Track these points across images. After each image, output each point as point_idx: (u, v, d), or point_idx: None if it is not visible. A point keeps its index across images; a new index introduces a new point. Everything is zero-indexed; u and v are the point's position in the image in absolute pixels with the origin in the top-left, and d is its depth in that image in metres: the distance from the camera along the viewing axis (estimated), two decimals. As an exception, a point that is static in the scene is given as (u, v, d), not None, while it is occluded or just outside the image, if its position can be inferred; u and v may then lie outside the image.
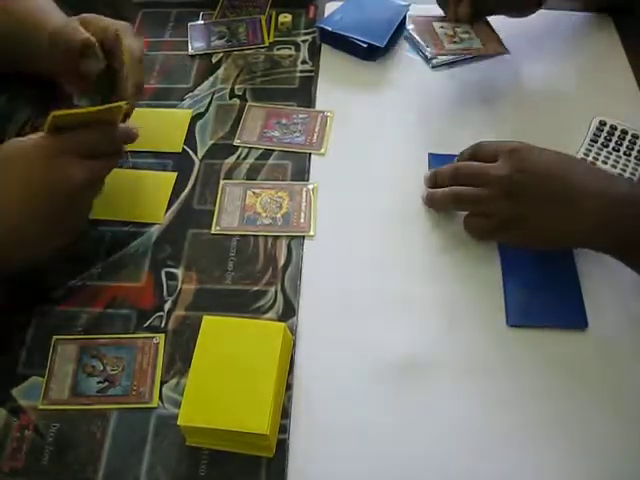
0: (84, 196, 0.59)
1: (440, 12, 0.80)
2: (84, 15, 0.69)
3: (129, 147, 0.74)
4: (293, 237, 0.67)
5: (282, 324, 0.57)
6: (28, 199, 0.55)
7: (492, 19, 0.79)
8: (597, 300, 0.61)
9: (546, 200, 0.59)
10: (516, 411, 0.56)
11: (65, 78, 0.71)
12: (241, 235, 0.67)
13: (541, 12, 0.79)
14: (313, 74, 0.84)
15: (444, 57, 0.83)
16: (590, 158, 0.71)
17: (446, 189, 0.65)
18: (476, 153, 0.65)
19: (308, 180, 0.72)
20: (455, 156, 0.69)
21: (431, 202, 0.68)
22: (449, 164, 0.67)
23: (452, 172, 0.66)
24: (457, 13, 0.74)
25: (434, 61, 0.83)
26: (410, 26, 0.84)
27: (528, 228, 0.60)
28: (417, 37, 0.86)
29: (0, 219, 0.55)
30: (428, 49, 0.76)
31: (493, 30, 0.77)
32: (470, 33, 0.75)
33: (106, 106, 0.57)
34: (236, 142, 0.76)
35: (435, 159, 0.73)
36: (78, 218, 0.60)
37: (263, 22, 0.90)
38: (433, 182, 0.68)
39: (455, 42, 0.75)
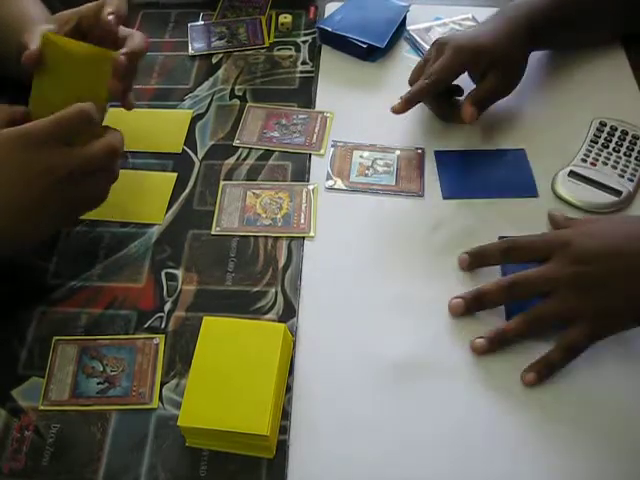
0: (79, 185, 0.57)
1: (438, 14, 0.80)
2: (58, 15, 0.67)
3: (129, 147, 0.75)
4: (293, 238, 0.67)
5: (282, 325, 0.57)
6: (7, 191, 0.54)
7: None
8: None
9: (616, 278, 0.56)
10: (517, 411, 0.56)
11: None
12: (241, 236, 0.68)
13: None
14: (313, 75, 0.84)
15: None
16: (590, 159, 0.71)
17: (520, 318, 0.58)
18: (512, 251, 0.61)
19: (308, 181, 0.72)
20: (459, 152, 0.70)
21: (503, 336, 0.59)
22: (496, 281, 0.60)
23: (508, 289, 0.59)
24: (464, 115, 0.71)
25: (434, 62, 0.84)
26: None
27: (615, 311, 0.56)
28: (417, 38, 0.86)
29: None
30: (330, 180, 0.71)
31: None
32: (389, 167, 0.72)
33: (98, 48, 0.57)
34: (236, 143, 0.76)
35: (440, 157, 0.73)
36: (76, 208, 0.60)
37: (263, 23, 0.90)
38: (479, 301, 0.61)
39: (366, 175, 0.72)
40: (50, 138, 0.55)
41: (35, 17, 0.70)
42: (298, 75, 0.84)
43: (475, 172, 0.73)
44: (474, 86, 0.73)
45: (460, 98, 0.75)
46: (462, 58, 0.71)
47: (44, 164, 0.55)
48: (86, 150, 0.57)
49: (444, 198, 0.70)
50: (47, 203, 0.56)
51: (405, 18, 0.87)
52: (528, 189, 0.70)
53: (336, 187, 0.71)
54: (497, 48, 0.71)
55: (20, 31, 0.65)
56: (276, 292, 0.63)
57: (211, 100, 0.81)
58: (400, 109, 0.72)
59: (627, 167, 0.70)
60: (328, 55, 0.86)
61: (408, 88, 0.74)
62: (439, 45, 0.73)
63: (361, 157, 0.74)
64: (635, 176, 0.70)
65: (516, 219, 0.68)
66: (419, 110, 0.77)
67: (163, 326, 0.61)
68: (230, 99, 0.81)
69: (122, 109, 0.69)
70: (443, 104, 0.76)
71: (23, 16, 0.70)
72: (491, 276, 0.63)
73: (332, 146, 0.75)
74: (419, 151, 0.74)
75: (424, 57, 0.75)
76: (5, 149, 0.55)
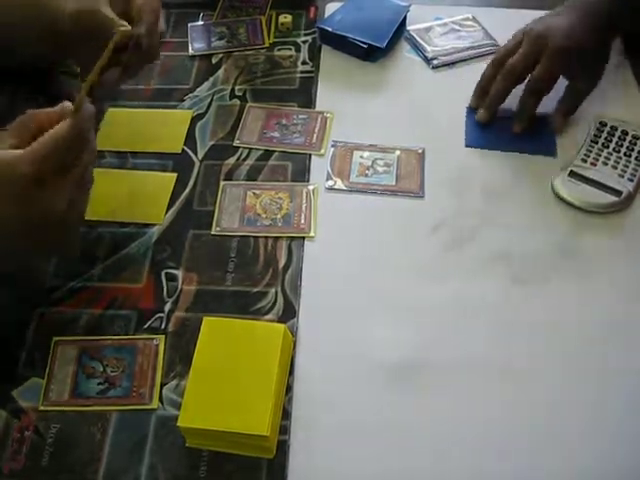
0: (70, 214, 0.53)
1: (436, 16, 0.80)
2: None
3: (129, 148, 0.76)
4: (293, 238, 0.67)
5: (282, 325, 0.57)
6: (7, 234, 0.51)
7: (496, 19, 0.79)
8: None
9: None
10: (517, 411, 0.56)
11: (82, 62, 0.66)
12: (241, 236, 0.67)
13: (542, 13, 0.79)
14: (313, 75, 0.84)
15: (444, 58, 0.84)
16: (591, 159, 0.71)
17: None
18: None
19: (308, 181, 0.72)
20: None
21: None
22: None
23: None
24: (556, 128, 0.74)
25: (434, 61, 0.84)
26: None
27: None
28: (417, 38, 0.86)
29: None
30: (330, 180, 0.71)
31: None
32: (390, 167, 0.72)
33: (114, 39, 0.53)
34: (236, 143, 0.76)
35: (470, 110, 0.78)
36: (65, 224, 0.55)
37: (263, 23, 0.90)
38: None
39: (366, 175, 0.72)
40: (46, 171, 0.50)
41: None
42: (298, 75, 0.84)
43: (499, 126, 0.75)
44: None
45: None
46: (563, 64, 0.72)
47: (43, 203, 0.51)
48: (76, 173, 0.53)
49: (466, 146, 0.74)
50: (46, 233, 0.53)
51: (405, 18, 0.86)
52: (549, 148, 0.73)
53: (336, 187, 0.71)
54: (586, 49, 0.72)
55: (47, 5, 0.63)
56: (276, 292, 0.63)
57: (211, 100, 0.81)
58: (488, 118, 0.75)
59: (627, 167, 0.70)
60: (328, 55, 0.86)
61: (408, 88, 0.74)
62: (535, 40, 0.73)
63: (361, 157, 0.74)
64: (635, 176, 0.69)
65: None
66: (419, 110, 0.77)
67: (163, 326, 0.61)
68: (230, 99, 0.81)
69: (122, 109, 0.69)
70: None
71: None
72: (491, 276, 0.64)
73: (332, 146, 0.75)
74: (419, 151, 0.74)
75: (507, 46, 0.76)
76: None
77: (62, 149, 0.51)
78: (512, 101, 0.75)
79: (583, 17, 0.73)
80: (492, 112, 0.75)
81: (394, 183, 0.71)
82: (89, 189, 0.57)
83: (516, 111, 0.75)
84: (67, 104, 0.53)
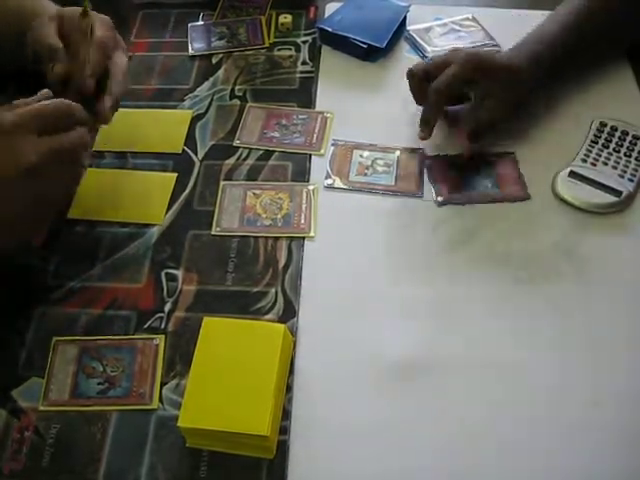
0: (46, 176, 0.55)
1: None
2: (66, 8, 0.68)
3: (129, 148, 0.76)
4: (293, 238, 0.67)
5: (282, 325, 0.57)
6: None
7: (496, 19, 0.79)
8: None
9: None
10: (517, 410, 0.56)
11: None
12: (241, 236, 0.67)
13: (542, 13, 0.79)
14: (313, 75, 0.84)
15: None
16: (591, 159, 0.71)
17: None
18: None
19: (308, 181, 0.72)
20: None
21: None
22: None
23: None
24: (465, 152, 0.71)
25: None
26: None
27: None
28: (417, 38, 0.86)
29: None
30: (329, 179, 0.71)
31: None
32: (389, 167, 0.72)
33: None
34: (236, 143, 0.76)
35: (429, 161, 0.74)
36: (45, 202, 0.57)
37: (263, 23, 0.90)
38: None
39: (365, 174, 0.72)
40: (24, 127, 0.54)
41: (43, 7, 0.71)
42: (298, 75, 0.84)
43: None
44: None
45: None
46: (469, 68, 0.70)
47: (12, 151, 0.53)
48: (55, 139, 0.55)
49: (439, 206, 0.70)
50: (12, 197, 0.54)
51: (405, 18, 0.87)
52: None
53: (335, 186, 0.71)
54: (506, 67, 0.70)
55: (24, 22, 0.67)
56: (276, 292, 0.63)
57: (211, 100, 0.81)
58: (427, 135, 0.73)
59: (627, 167, 0.70)
60: (328, 55, 0.86)
61: (408, 88, 0.74)
62: (448, 55, 0.73)
63: (361, 157, 0.74)
64: (635, 176, 0.69)
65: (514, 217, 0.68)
66: (417, 110, 0.77)
67: (163, 326, 0.61)
68: (230, 99, 0.81)
69: (122, 109, 0.69)
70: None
71: (28, 7, 0.71)
72: (491, 276, 0.64)
73: (332, 145, 0.75)
74: (419, 151, 0.74)
75: (433, 63, 0.74)
76: None
77: (43, 111, 0.55)
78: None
79: (523, 44, 0.73)
80: (431, 129, 0.73)
81: (393, 183, 0.71)
82: (76, 176, 0.59)
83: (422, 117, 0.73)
84: (45, 90, 0.58)
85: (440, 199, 0.70)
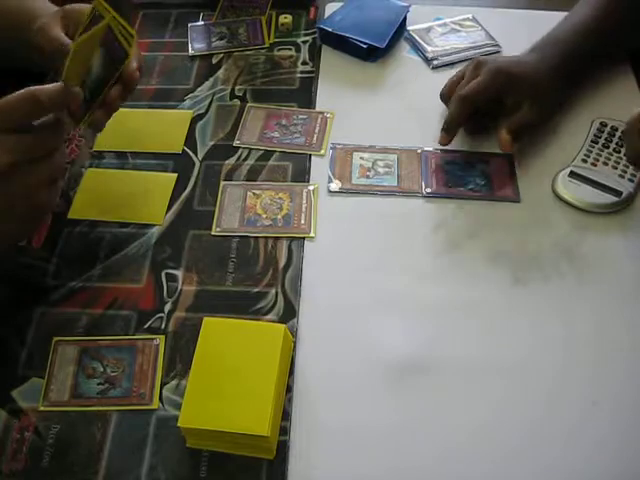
0: (19, 181, 0.52)
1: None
2: (67, 7, 0.68)
3: (129, 148, 0.76)
4: (293, 238, 0.67)
5: (282, 325, 0.57)
6: None
7: (496, 19, 0.79)
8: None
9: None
10: (517, 411, 0.56)
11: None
12: (241, 236, 0.67)
13: (542, 13, 0.79)
14: (313, 75, 0.84)
15: (444, 58, 0.84)
16: (591, 159, 0.71)
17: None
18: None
19: (308, 181, 0.72)
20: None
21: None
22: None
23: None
24: (501, 143, 0.70)
25: (434, 62, 0.84)
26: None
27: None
28: (417, 38, 0.86)
29: None
30: (332, 183, 0.71)
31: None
32: (390, 167, 0.72)
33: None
34: (236, 143, 0.76)
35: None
36: (27, 204, 0.54)
37: (263, 23, 0.90)
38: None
39: (367, 176, 0.72)
40: None
41: (41, 6, 0.71)
42: (298, 75, 0.84)
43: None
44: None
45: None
46: (498, 82, 0.71)
47: None
48: (27, 136, 0.52)
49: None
50: None
51: (405, 18, 0.87)
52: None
53: (339, 190, 0.71)
54: (536, 79, 0.71)
55: (23, 22, 0.67)
56: (276, 293, 0.63)
57: (211, 100, 0.81)
58: (446, 141, 0.72)
59: (627, 167, 0.70)
60: (328, 55, 0.86)
61: (408, 88, 0.74)
62: (477, 64, 0.73)
63: (361, 159, 0.74)
64: (635, 176, 0.69)
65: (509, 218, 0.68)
66: (420, 111, 0.77)
67: (163, 327, 0.61)
68: (230, 99, 0.81)
69: (122, 109, 0.69)
70: (475, 125, 0.75)
71: (27, 6, 0.71)
72: (491, 276, 0.64)
73: (331, 148, 0.75)
74: (419, 151, 0.74)
75: (459, 73, 0.75)
76: None
77: (11, 105, 0.51)
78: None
79: (540, 58, 0.73)
80: (451, 136, 0.72)
81: (396, 184, 0.71)
82: (53, 178, 0.56)
83: (447, 121, 0.72)
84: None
85: (428, 191, 0.70)
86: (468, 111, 0.71)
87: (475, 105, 0.71)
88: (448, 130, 0.72)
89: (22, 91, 0.52)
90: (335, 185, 0.71)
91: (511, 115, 0.71)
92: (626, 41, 0.80)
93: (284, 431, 0.54)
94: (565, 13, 0.79)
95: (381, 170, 0.72)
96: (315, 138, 0.76)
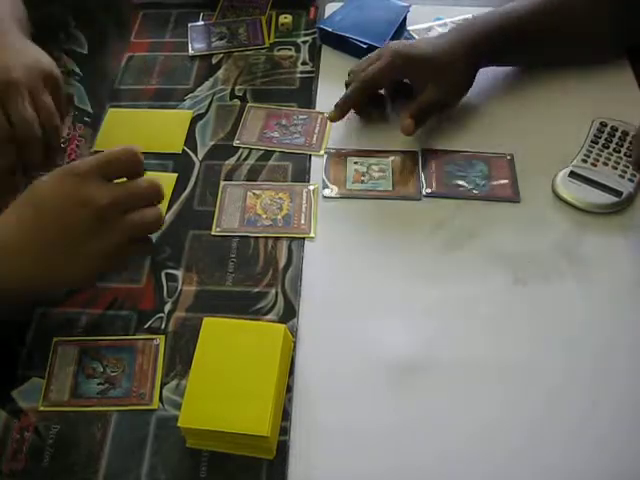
0: (111, 222, 0.55)
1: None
2: None
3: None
4: (294, 238, 0.67)
5: (282, 325, 0.57)
6: (42, 226, 0.54)
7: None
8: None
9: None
10: (517, 411, 0.56)
11: None
12: (241, 236, 0.67)
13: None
14: (313, 75, 0.84)
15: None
16: (591, 159, 0.71)
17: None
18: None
19: (308, 181, 0.72)
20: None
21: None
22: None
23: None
24: (402, 128, 0.71)
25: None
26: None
27: None
28: (418, 38, 0.86)
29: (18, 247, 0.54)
30: (327, 189, 0.71)
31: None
32: (384, 172, 0.72)
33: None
34: (236, 143, 0.76)
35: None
36: (105, 249, 0.56)
37: (263, 23, 0.90)
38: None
39: (362, 181, 0.71)
40: (93, 174, 0.55)
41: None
42: (298, 75, 0.84)
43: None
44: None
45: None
46: (396, 63, 0.72)
47: (83, 195, 0.54)
48: (128, 184, 0.57)
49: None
50: (84, 236, 0.54)
51: (405, 18, 0.86)
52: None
53: (333, 195, 0.71)
54: (435, 58, 0.71)
55: None
56: (276, 293, 0.63)
57: (211, 100, 0.81)
58: (335, 117, 0.74)
59: (627, 167, 0.70)
60: (328, 55, 0.86)
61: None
62: (381, 50, 0.74)
63: (355, 163, 0.73)
64: (635, 176, 0.69)
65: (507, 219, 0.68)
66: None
67: (163, 327, 0.61)
68: (230, 99, 0.81)
69: (122, 109, 0.69)
70: (373, 114, 0.77)
71: None
72: (491, 277, 0.63)
73: (326, 153, 0.75)
74: (413, 153, 0.74)
75: (366, 60, 0.76)
76: (50, 184, 0.55)
77: (109, 157, 0.56)
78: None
79: (448, 38, 0.74)
80: (342, 113, 0.74)
81: (391, 188, 0.71)
82: (126, 251, 0.58)
83: (342, 98, 0.74)
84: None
85: (428, 191, 0.70)
86: (365, 93, 0.74)
87: (374, 88, 0.74)
88: (337, 106, 0.74)
89: (121, 147, 0.57)
90: (329, 190, 0.71)
91: (416, 94, 0.72)
92: (549, 46, 0.78)
93: (284, 431, 0.54)
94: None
95: (375, 174, 0.72)
96: (315, 138, 0.76)
